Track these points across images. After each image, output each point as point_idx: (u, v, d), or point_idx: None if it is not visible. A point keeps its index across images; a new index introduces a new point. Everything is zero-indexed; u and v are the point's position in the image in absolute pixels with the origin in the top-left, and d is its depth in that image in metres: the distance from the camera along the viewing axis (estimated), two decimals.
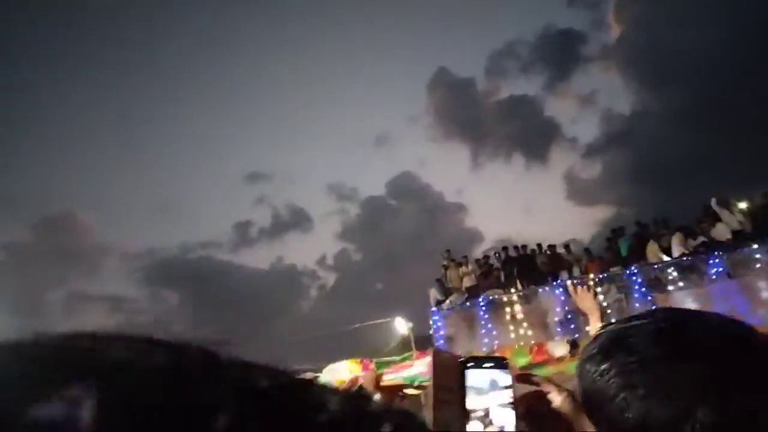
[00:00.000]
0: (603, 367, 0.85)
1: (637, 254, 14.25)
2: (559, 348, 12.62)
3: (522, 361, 12.49)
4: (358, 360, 6.93)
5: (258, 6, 74.16)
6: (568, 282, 13.26)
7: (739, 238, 13.01)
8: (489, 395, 1.04)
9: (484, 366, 1.08)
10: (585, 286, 2.93)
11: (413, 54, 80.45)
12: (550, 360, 12.65)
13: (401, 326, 19.64)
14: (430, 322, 15.87)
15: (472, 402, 1.03)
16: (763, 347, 0.78)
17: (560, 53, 66.04)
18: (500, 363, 1.09)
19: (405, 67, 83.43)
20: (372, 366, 6.26)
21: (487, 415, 1.02)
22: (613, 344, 0.86)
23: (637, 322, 0.87)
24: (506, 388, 1.05)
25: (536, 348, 13.13)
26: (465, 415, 1.02)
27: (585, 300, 2.95)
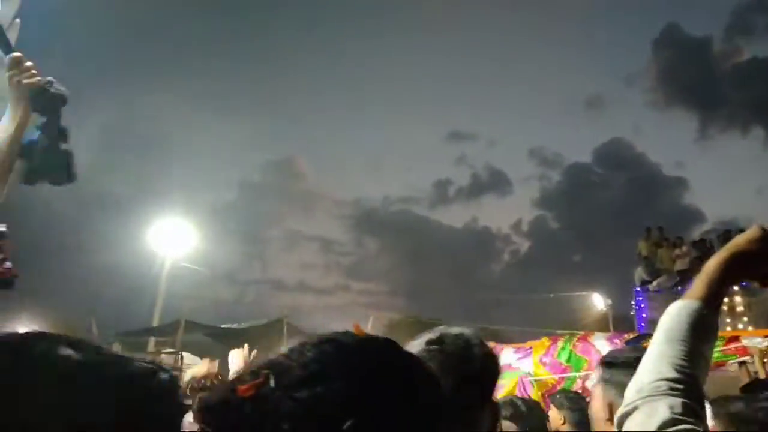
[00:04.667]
0: None
1: None
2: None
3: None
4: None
5: None
6: None
7: None
8: None
9: None
10: None
11: (638, 7, 73.36)
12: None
13: (599, 302, 18.78)
14: (632, 303, 14.99)
15: None
16: None
17: None
18: None
19: (626, 21, 76.52)
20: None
21: None
22: None
23: None
24: None
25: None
26: None
27: None
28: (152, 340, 14.78)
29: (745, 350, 6.06)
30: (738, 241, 1.00)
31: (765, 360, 5.22)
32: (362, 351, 0.61)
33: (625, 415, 0.88)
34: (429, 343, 1.40)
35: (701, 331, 0.93)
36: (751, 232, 1.00)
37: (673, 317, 0.95)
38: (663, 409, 0.83)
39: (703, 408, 0.88)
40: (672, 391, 0.85)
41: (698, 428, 0.81)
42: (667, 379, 0.87)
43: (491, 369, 1.43)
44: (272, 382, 0.56)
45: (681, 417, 0.82)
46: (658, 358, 0.91)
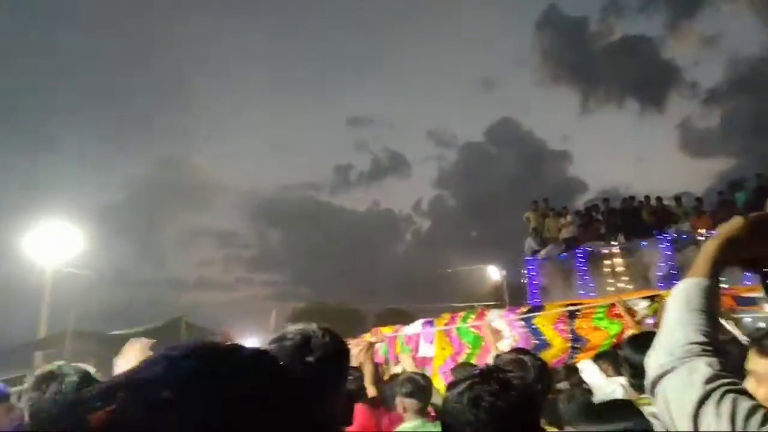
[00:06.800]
0: None
1: (756, 210, 13.00)
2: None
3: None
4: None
5: None
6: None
7: None
8: None
9: None
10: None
11: None
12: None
13: (494, 274, 19.63)
14: (524, 272, 15.79)
15: None
16: None
17: None
18: None
19: (513, 4, 79.85)
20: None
21: None
22: None
23: None
24: None
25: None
26: None
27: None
28: (39, 354, 13.74)
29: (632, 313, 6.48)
30: (727, 227, 1.13)
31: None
32: (204, 367, 0.52)
33: (661, 376, 0.97)
34: (270, 342, 1.53)
35: (714, 303, 1.05)
36: (735, 221, 1.14)
37: (689, 291, 1.05)
38: (703, 367, 0.93)
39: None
40: (705, 353, 0.96)
41: (738, 382, 0.92)
42: (698, 343, 0.97)
43: (334, 356, 1.53)
44: (127, 405, 0.47)
45: (721, 373, 0.92)
46: (684, 325, 1.01)
